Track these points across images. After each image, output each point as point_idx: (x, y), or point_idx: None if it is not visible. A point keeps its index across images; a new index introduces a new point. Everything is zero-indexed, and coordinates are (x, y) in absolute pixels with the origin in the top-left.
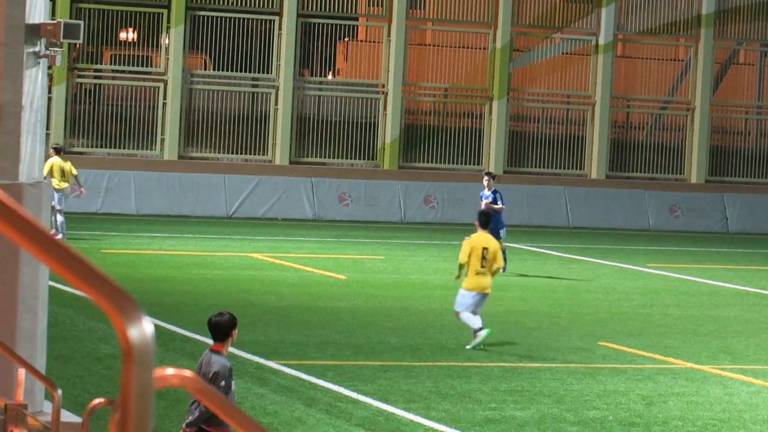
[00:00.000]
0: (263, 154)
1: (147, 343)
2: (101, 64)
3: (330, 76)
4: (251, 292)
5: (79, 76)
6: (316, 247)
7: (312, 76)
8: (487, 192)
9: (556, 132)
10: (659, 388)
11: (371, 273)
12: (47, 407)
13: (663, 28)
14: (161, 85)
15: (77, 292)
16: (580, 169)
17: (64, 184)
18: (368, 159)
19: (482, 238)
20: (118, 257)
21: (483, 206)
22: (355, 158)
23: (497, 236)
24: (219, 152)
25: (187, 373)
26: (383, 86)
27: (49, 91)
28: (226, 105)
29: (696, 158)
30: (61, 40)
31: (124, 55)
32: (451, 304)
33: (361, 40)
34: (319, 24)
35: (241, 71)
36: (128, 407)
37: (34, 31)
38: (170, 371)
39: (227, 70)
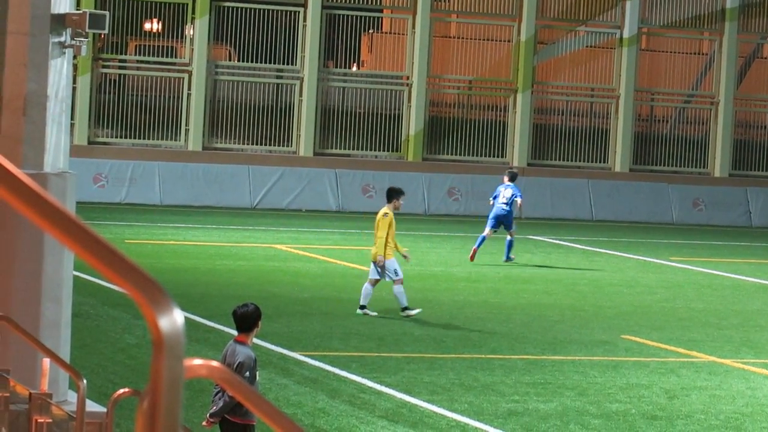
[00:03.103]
0: (287, 146)
1: (178, 333)
2: (126, 54)
3: (354, 68)
4: (275, 283)
5: (104, 67)
6: (339, 239)
7: (336, 67)
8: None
9: (579, 125)
10: (682, 382)
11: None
12: (71, 397)
13: (687, 22)
14: (186, 75)
15: (101, 282)
16: (604, 162)
17: None
18: (392, 151)
19: None
20: (142, 247)
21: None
22: (379, 150)
23: (510, 228)
24: (243, 143)
25: (215, 363)
26: (407, 78)
27: (74, 81)
28: (250, 96)
29: (720, 152)
30: (87, 30)
31: (149, 45)
32: (475, 296)
33: (386, 32)
34: (343, 16)
35: (265, 62)
36: (158, 397)
37: (59, 21)
38: (197, 362)
39: (252, 62)
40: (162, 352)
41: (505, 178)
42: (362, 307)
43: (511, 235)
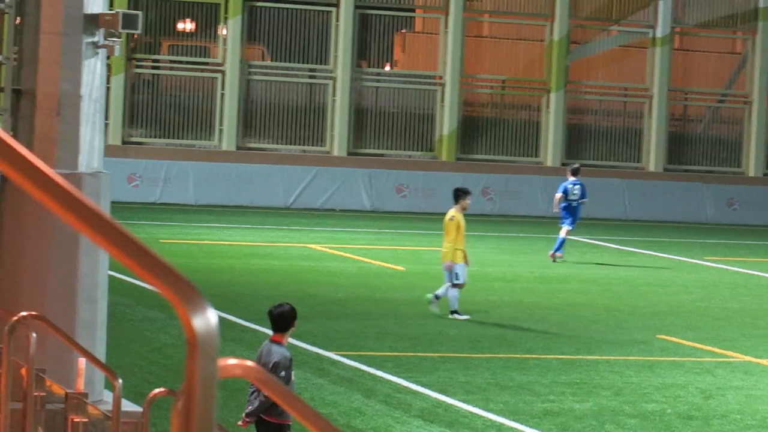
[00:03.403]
0: (321, 145)
1: (212, 333)
2: (159, 54)
3: (387, 68)
4: (309, 282)
5: (138, 67)
6: (373, 238)
7: (369, 67)
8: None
9: (613, 125)
10: (718, 382)
11: (429, 264)
12: (107, 396)
13: (720, 21)
14: (219, 75)
15: (136, 282)
16: (638, 161)
17: None
18: (426, 150)
19: None
20: (177, 247)
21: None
22: (412, 149)
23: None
24: (277, 143)
25: (249, 363)
26: (440, 78)
27: (108, 82)
28: (283, 96)
29: (754, 151)
30: (120, 30)
31: (182, 45)
32: (510, 296)
33: (419, 32)
34: (376, 15)
35: (298, 62)
36: (193, 397)
37: (92, 21)
38: (232, 361)
39: (285, 61)
40: (196, 352)
41: (569, 175)
42: (453, 312)
43: (567, 231)
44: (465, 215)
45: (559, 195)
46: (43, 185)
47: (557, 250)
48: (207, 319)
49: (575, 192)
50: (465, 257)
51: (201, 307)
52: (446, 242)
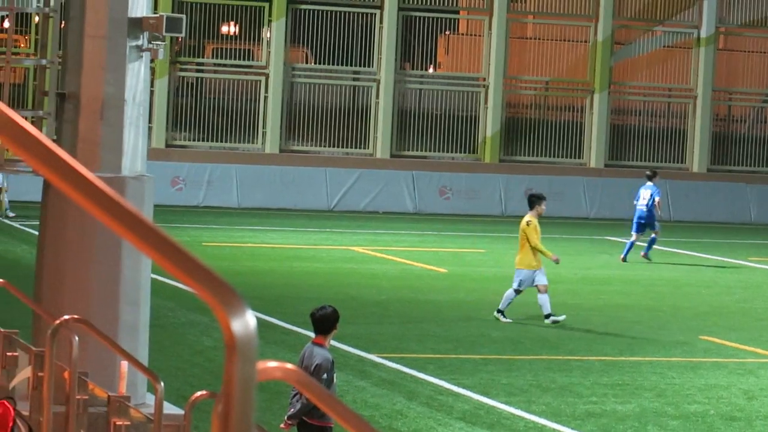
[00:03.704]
0: (364, 148)
1: (250, 335)
2: (203, 57)
3: (431, 70)
4: (352, 285)
5: (182, 70)
6: (416, 241)
7: (413, 69)
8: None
9: (657, 125)
10: (761, 383)
11: (472, 266)
12: (150, 399)
13: (765, 21)
14: (263, 78)
15: (179, 285)
16: (682, 162)
17: None
18: (469, 152)
19: None
20: (220, 250)
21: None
22: (455, 151)
23: (654, 228)
24: (320, 145)
25: (290, 365)
26: (484, 80)
27: (152, 85)
28: (327, 98)
29: None
30: (164, 33)
31: (226, 48)
32: (552, 297)
33: (462, 34)
34: (420, 17)
35: (342, 65)
36: (231, 400)
37: (136, 25)
38: (273, 364)
39: (328, 64)
40: (235, 355)
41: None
42: (547, 317)
43: (655, 234)
44: (510, 216)
45: (658, 199)
46: (82, 188)
47: (648, 250)
48: (246, 321)
49: (650, 196)
50: (539, 262)
51: (240, 310)
52: (536, 246)
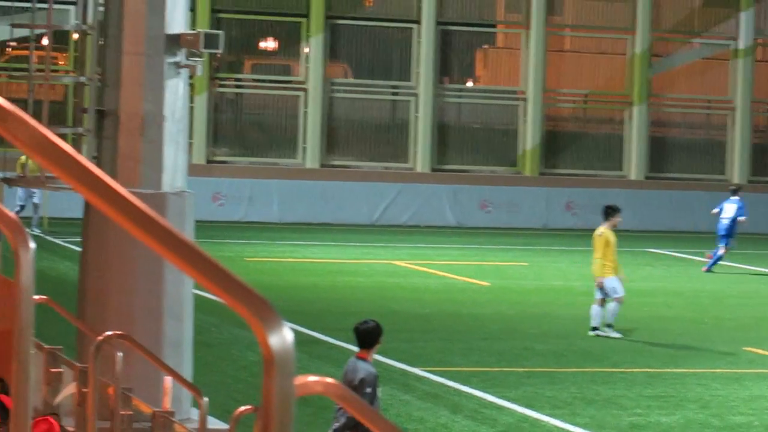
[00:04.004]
0: (404, 162)
1: (288, 350)
2: (242, 73)
3: (469, 83)
4: (394, 299)
5: (221, 86)
6: (458, 254)
7: (451, 83)
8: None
9: (696, 137)
10: None
11: (514, 279)
12: (194, 414)
13: None
14: (302, 93)
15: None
16: (721, 173)
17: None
18: (509, 166)
19: None
20: (262, 265)
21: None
22: (496, 165)
23: (728, 245)
24: (360, 160)
25: (330, 380)
26: (523, 93)
27: (191, 101)
28: (366, 113)
29: None
30: (201, 50)
31: (265, 64)
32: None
33: (500, 47)
34: (457, 31)
35: (381, 79)
36: (270, 414)
37: (174, 42)
38: (313, 378)
39: (367, 78)
40: (273, 369)
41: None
42: (594, 329)
43: (725, 250)
44: (551, 229)
45: (742, 219)
46: (116, 204)
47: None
48: (283, 336)
49: (735, 210)
50: (616, 271)
51: (277, 325)
52: (595, 258)
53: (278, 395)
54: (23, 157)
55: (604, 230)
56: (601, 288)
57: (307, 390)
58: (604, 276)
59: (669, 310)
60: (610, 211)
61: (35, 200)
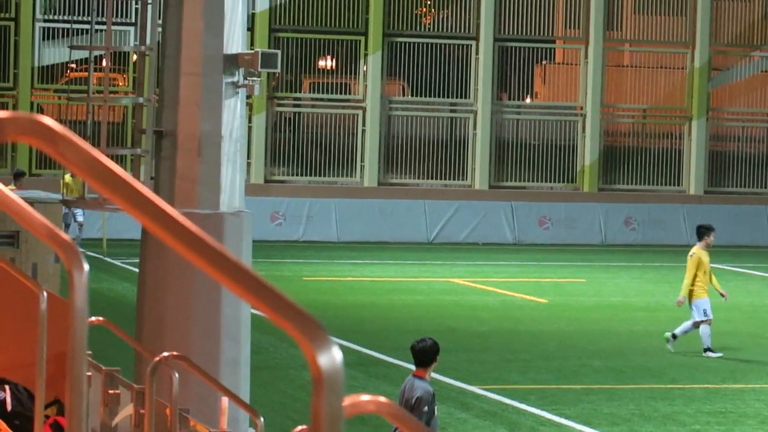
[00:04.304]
0: (462, 179)
1: (337, 369)
2: (300, 92)
3: (528, 100)
4: (452, 317)
5: (279, 105)
6: (516, 271)
7: (510, 99)
8: None
9: (757, 151)
10: None
11: (572, 296)
12: None
13: None
14: (360, 112)
15: None
16: None
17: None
18: (567, 182)
19: None
20: (320, 284)
21: None
22: (554, 181)
23: None
24: (418, 178)
25: (382, 399)
26: (581, 108)
27: (249, 121)
28: (424, 130)
29: None
30: (259, 69)
31: (323, 82)
32: (654, 326)
33: (559, 63)
34: (515, 47)
35: (439, 96)
36: None
37: (231, 62)
38: (366, 397)
39: (425, 96)
40: (321, 389)
41: None
42: (706, 350)
43: None
44: (609, 245)
45: None
46: (166, 225)
47: None
48: (332, 355)
49: None
50: (717, 290)
51: (326, 344)
52: (686, 279)
53: (327, 415)
54: (67, 176)
55: (696, 251)
56: (694, 308)
57: (359, 409)
58: (698, 297)
59: (728, 324)
60: (702, 231)
61: (79, 218)
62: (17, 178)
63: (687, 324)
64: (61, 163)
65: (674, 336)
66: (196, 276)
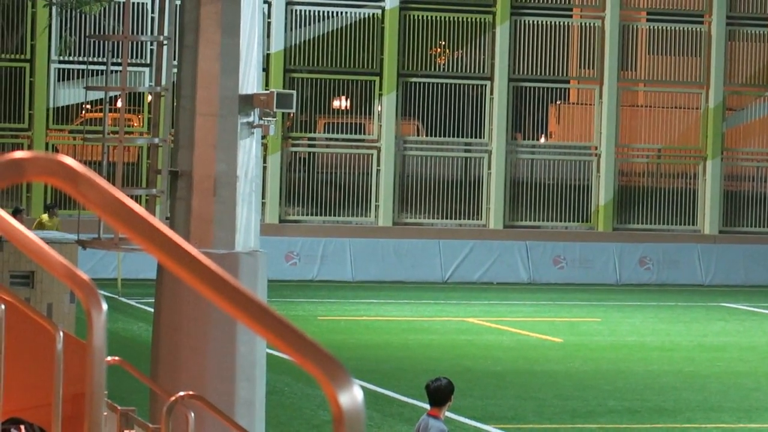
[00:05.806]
0: (477, 219)
1: (358, 408)
2: (315, 132)
3: (542, 139)
4: (467, 356)
5: (294, 145)
6: (531, 311)
7: (524, 139)
8: None
9: None
10: None
11: (587, 335)
12: None
13: None
14: (375, 152)
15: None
16: None
17: None
18: (582, 221)
19: None
20: (335, 324)
21: None
22: (569, 221)
23: None
24: (433, 218)
25: None
26: (596, 148)
27: (264, 161)
28: (439, 170)
29: None
30: (274, 109)
31: (338, 123)
32: (669, 366)
33: (573, 103)
34: (530, 87)
35: (453, 136)
36: None
37: (247, 102)
38: None
39: (440, 136)
40: (342, 428)
41: None
42: None
43: None
44: (624, 284)
45: None
46: (186, 265)
47: None
48: (353, 395)
49: None
50: None
51: (347, 383)
52: None
53: None
54: (44, 216)
55: None
56: None
57: None
58: None
59: (743, 365)
60: None
61: None
62: (15, 215)
63: None
64: (82, 203)
65: None
66: (212, 316)
